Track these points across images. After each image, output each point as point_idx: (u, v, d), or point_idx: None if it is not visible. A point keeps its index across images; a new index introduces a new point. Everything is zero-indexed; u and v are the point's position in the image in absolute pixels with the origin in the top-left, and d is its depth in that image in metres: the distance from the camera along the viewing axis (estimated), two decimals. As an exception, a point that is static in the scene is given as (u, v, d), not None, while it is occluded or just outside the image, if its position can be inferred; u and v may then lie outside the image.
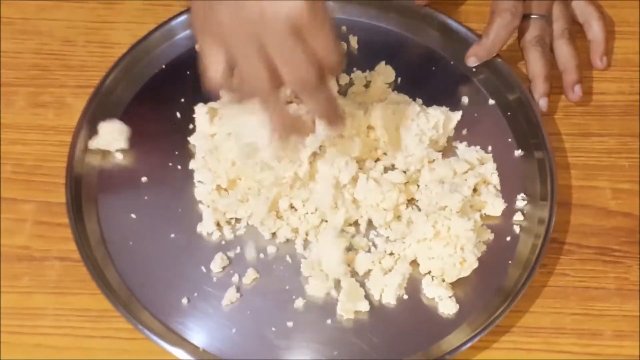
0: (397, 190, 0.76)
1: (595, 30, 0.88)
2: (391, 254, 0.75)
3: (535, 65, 0.84)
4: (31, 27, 0.89)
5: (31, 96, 0.84)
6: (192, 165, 0.79)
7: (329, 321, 0.73)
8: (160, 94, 0.84)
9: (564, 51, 0.86)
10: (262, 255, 0.76)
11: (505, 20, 0.82)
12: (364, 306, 0.73)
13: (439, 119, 0.79)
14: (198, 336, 0.71)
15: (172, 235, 0.76)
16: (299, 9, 0.62)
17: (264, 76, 0.64)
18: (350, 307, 0.73)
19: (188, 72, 0.85)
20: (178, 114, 0.82)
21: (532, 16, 0.85)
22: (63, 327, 0.72)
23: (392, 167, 0.79)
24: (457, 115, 0.82)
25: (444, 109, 0.81)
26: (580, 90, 0.85)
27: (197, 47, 0.65)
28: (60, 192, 0.76)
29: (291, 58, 0.63)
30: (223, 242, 0.76)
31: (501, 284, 0.74)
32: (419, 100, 0.82)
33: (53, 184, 0.79)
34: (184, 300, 0.73)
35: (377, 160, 0.80)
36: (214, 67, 0.65)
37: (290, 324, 0.72)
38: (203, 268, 0.74)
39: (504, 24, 0.83)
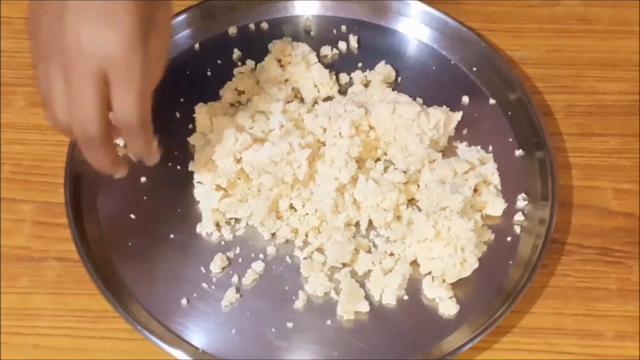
0: (397, 191, 0.76)
1: None
2: (391, 254, 0.75)
3: None
4: (30, 26, 0.89)
5: (30, 96, 0.84)
6: (191, 167, 0.79)
7: (329, 322, 0.72)
8: (160, 93, 0.83)
9: None
10: (261, 256, 0.75)
11: None
12: (364, 307, 0.73)
13: (440, 119, 0.79)
14: (197, 337, 0.71)
15: (172, 236, 0.76)
16: (113, 53, 0.58)
17: (63, 108, 0.60)
18: (351, 307, 0.72)
19: (188, 72, 0.85)
20: (178, 114, 0.82)
21: None
22: (62, 327, 0.72)
23: (393, 167, 0.79)
24: (458, 116, 0.82)
25: (445, 109, 0.81)
26: None
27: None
28: (59, 192, 0.76)
29: (82, 103, 0.59)
30: (222, 243, 0.76)
31: (502, 284, 0.74)
32: (419, 100, 0.82)
33: (52, 184, 0.79)
34: (184, 301, 0.73)
35: (377, 160, 0.80)
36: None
37: (290, 324, 0.72)
38: (202, 268, 0.74)
39: None
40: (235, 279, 0.74)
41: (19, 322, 0.72)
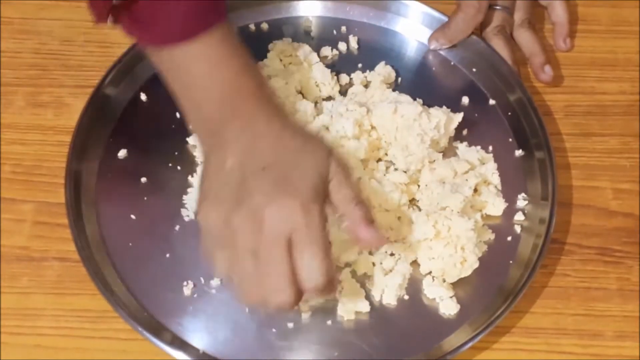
0: (399, 191, 0.76)
1: (558, 12, 0.89)
2: (392, 254, 0.75)
3: (501, 52, 0.86)
4: (30, 26, 0.89)
5: (30, 96, 0.84)
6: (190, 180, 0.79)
7: (329, 322, 0.72)
8: (160, 94, 0.83)
9: (525, 38, 0.88)
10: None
11: (469, 15, 0.85)
12: (365, 307, 0.73)
13: (441, 120, 0.79)
14: (198, 337, 0.71)
15: (172, 236, 0.76)
16: (298, 220, 0.60)
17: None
18: (351, 307, 0.72)
19: (188, 72, 0.85)
20: (178, 114, 0.82)
21: (496, 7, 0.88)
22: (62, 327, 0.72)
23: (393, 167, 0.79)
24: (459, 117, 0.82)
25: (446, 109, 0.81)
26: (551, 70, 0.86)
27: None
28: (60, 192, 0.76)
29: (274, 276, 0.61)
30: (223, 243, 0.76)
31: (502, 284, 0.74)
32: (419, 101, 0.82)
33: (52, 184, 0.79)
34: (184, 301, 0.73)
35: (378, 160, 0.80)
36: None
37: (290, 325, 0.72)
38: (203, 269, 0.74)
39: (466, 18, 0.85)
40: (235, 279, 0.74)
41: (19, 322, 0.72)
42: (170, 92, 0.66)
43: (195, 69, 0.63)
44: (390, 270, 0.74)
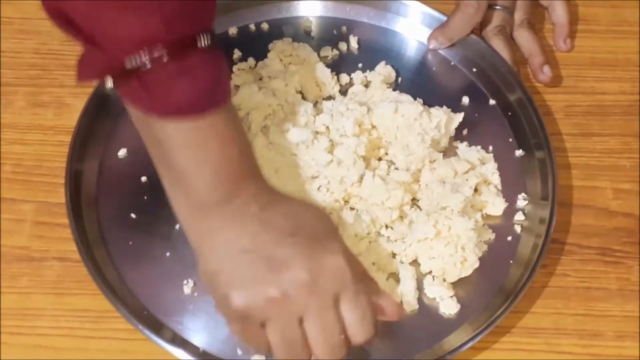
0: (402, 189, 0.76)
1: (559, 13, 0.89)
2: (393, 255, 0.75)
3: (501, 52, 0.86)
4: (30, 26, 0.89)
5: (30, 96, 0.84)
6: None
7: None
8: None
9: (525, 38, 0.88)
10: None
11: (467, 15, 0.85)
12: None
13: (442, 119, 0.79)
14: (198, 336, 0.71)
15: (172, 236, 0.76)
16: (345, 278, 0.61)
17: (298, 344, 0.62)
18: None
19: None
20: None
21: (496, 7, 0.88)
22: (62, 327, 0.72)
23: (393, 167, 0.79)
24: (459, 117, 0.82)
25: (446, 109, 0.81)
26: (550, 71, 0.86)
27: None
28: (60, 192, 0.76)
29: (331, 334, 0.62)
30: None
31: (502, 283, 0.74)
32: (420, 100, 0.82)
33: (52, 184, 0.79)
34: (184, 300, 0.73)
35: (379, 159, 0.80)
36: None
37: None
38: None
39: (465, 18, 0.86)
40: (235, 279, 0.74)
41: (19, 322, 0.72)
42: (157, 166, 0.64)
43: (205, 144, 0.61)
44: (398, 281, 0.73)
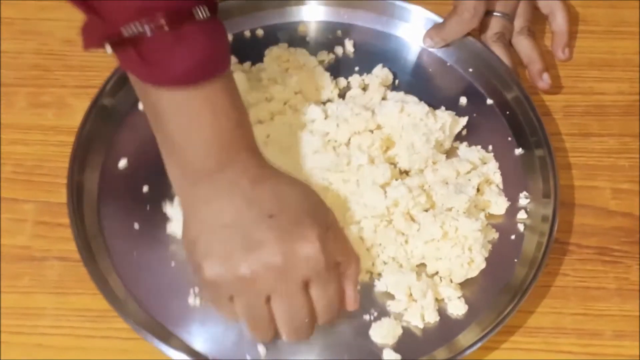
0: (425, 195, 0.75)
1: (559, 21, 0.89)
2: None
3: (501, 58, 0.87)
4: (31, 27, 0.89)
5: (31, 96, 0.84)
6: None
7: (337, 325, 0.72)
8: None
9: (524, 45, 0.88)
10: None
11: (463, 19, 0.85)
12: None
13: (446, 121, 0.79)
14: (198, 337, 0.71)
15: (176, 244, 0.75)
16: (317, 260, 0.63)
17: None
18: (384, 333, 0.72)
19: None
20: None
21: (495, 14, 0.88)
22: (63, 327, 0.72)
23: (398, 167, 0.79)
24: (463, 120, 0.82)
25: (451, 112, 0.81)
26: (549, 78, 0.86)
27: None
28: (61, 192, 0.76)
29: (298, 311, 0.64)
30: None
31: (508, 282, 0.74)
32: (423, 103, 0.82)
33: (53, 184, 0.79)
34: (184, 301, 0.72)
35: (391, 163, 0.79)
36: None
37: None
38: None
39: (461, 21, 0.86)
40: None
41: (20, 321, 0.73)
42: (155, 133, 0.66)
43: (198, 114, 0.63)
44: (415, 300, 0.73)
